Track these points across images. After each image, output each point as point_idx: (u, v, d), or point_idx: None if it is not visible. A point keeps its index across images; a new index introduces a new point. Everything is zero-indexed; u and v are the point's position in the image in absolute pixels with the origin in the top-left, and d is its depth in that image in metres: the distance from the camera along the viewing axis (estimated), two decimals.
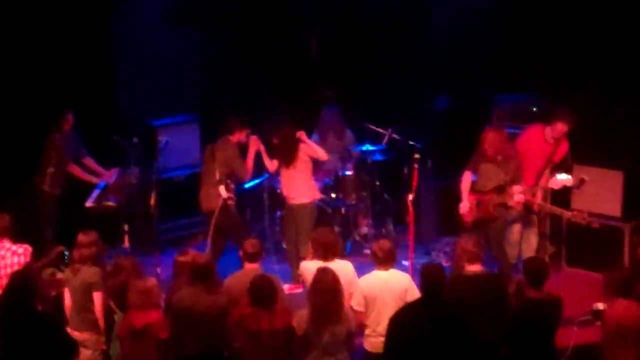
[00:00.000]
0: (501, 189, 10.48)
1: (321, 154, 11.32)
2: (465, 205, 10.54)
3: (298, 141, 11.11)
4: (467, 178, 10.62)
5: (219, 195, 10.87)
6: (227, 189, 10.92)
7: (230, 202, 10.96)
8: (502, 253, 10.65)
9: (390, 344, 8.07)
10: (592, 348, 8.54)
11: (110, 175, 11.54)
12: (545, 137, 10.94)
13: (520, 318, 8.30)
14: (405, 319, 8.02)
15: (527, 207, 11.00)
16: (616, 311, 8.15)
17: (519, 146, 10.98)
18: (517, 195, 10.42)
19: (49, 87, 11.68)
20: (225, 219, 10.94)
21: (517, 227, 11.17)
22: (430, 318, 7.92)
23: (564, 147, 11.03)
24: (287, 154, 11.16)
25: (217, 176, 10.91)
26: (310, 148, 11.30)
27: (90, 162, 11.66)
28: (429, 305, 8.03)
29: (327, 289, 8.22)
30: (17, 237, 9.42)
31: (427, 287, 8.13)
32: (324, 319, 8.18)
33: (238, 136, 11.14)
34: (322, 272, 8.37)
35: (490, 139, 10.51)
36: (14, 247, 9.28)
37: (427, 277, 8.13)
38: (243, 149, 11.18)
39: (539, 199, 11.04)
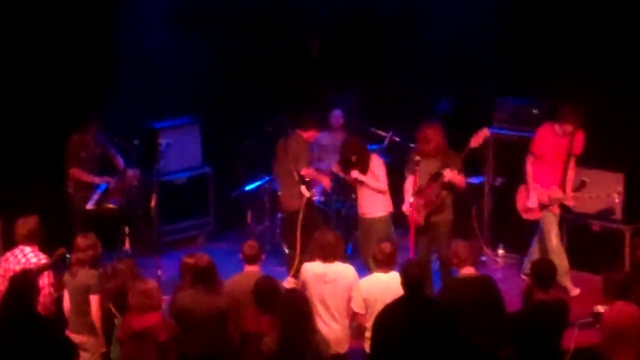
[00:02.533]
0: (436, 176, 10.33)
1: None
2: (406, 205, 10.31)
3: (368, 156, 10.69)
4: (410, 182, 10.35)
5: (301, 194, 10.90)
6: (308, 187, 10.91)
7: (314, 198, 10.97)
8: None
9: (375, 345, 7.99)
10: (592, 351, 8.52)
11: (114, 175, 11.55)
12: (556, 132, 10.86)
13: (528, 320, 8.28)
14: (387, 318, 7.91)
15: (563, 206, 10.94)
16: (613, 313, 8.15)
17: (535, 149, 10.96)
18: (449, 174, 10.21)
19: (50, 87, 11.70)
20: (310, 218, 10.97)
21: (554, 232, 10.98)
22: (413, 315, 7.83)
23: (580, 137, 10.87)
24: (361, 169, 10.68)
25: (296, 177, 10.94)
26: None
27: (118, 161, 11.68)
28: (411, 302, 7.93)
29: (295, 312, 7.87)
30: (51, 242, 9.28)
31: (407, 284, 8.01)
32: (291, 344, 7.81)
33: (311, 134, 11.19)
34: (292, 294, 8.12)
35: (431, 134, 10.34)
36: (30, 256, 9.07)
37: (407, 274, 8.03)
38: None
39: (570, 193, 10.92)
